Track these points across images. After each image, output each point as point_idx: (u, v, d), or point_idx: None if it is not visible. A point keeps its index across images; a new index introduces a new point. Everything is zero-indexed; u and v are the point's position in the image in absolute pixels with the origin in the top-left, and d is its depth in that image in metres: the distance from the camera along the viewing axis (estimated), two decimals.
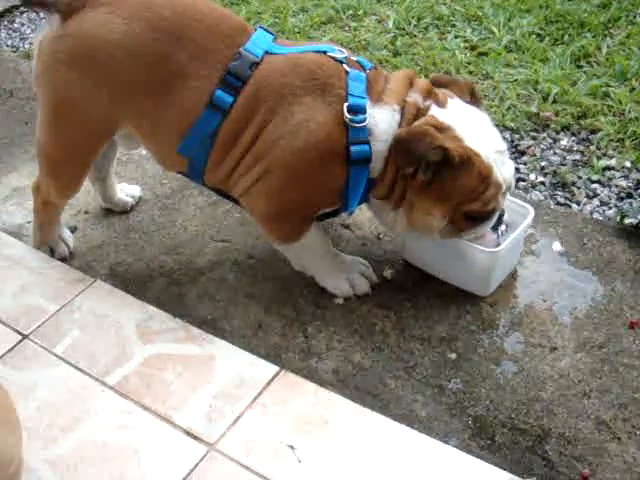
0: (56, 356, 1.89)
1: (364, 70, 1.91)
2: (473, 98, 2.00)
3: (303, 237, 2.01)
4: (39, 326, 1.99)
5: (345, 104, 1.83)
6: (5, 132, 3.07)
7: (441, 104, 1.88)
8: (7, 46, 3.95)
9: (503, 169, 1.89)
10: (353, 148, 1.83)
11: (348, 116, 1.82)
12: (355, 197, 1.90)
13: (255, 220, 2.07)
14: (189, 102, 1.87)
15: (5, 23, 4.23)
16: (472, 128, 1.87)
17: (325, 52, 1.91)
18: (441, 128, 1.81)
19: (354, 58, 1.94)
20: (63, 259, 2.27)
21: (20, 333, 1.98)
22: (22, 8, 4.33)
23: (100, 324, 1.98)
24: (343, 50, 1.95)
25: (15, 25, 4.19)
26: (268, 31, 1.95)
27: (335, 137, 1.83)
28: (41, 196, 2.20)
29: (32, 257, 2.25)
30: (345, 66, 1.88)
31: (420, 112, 1.86)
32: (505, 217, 2.04)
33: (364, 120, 1.83)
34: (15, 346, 1.93)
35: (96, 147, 2.06)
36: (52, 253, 2.27)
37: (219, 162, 1.92)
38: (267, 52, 1.88)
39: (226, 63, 1.85)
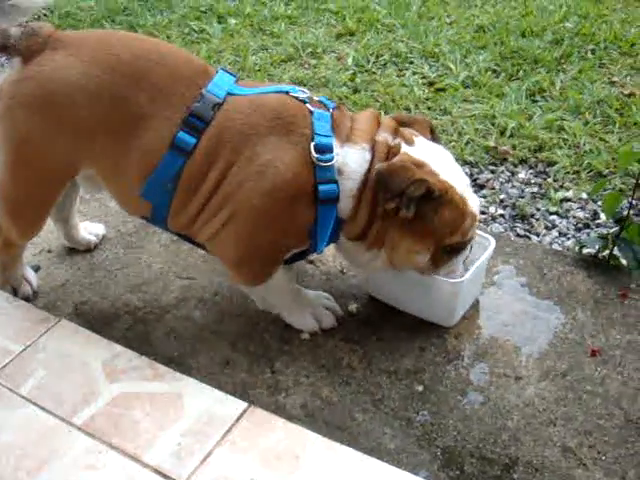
0: (21, 397, 1.86)
1: (327, 109, 1.93)
2: (433, 135, 2.04)
3: (271, 278, 2.02)
4: (3, 367, 1.96)
5: (312, 143, 1.84)
6: None
7: (409, 142, 1.90)
8: None
9: (472, 201, 1.93)
10: (321, 187, 1.83)
11: (315, 155, 1.83)
12: (324, 237, 1.90)
13: (223, 264, 2.06)
14: (150, 144, 1.86)
15: None
16: (442, 163, 1.90)
17: (287, 92, 1.93)
18: (417, 164, 1.83)
19: (316, 98, 1.96)
20: (26, 298, 2.25)
21: None
22: None
23: (66, 364, 1.96)
24: (305, 90, 1.97)
25: None
26: (229, 72, 1.96)
27: (302, 177, 1.83)
28: (2, 236, 2.18)
29: None
30: (308, 105, 1.90)
31: (391, 150, 1.87)
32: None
33: (331, 159, 1.84)
34: None
35: (56, 190, 2.05)
36: (15, 293, 2.25)
37: (183, 206, 1.90)
38: (229, 93, 1.89)
39: (188, 105, 1.86)
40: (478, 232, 2.14)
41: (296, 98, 1.91)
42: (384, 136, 1.89)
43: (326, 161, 1.83)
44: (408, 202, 1.80)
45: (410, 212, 1.82)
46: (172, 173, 1.86)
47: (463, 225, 1.88)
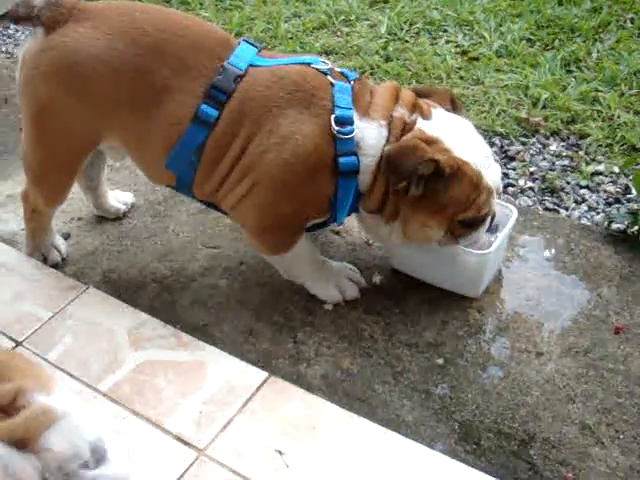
0: (49, 363, 1.92)
1: (348, 82, 1.93)
2: (454, 105, 2.03)
3: (293, 248, 2.03)
4: (32, 333, 2.01)
5: (332, 116, 1.85)
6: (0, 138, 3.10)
7: (426, 116, 1.90)
8: (2, 52, 3.98)
9: (491, 173, 1.92)
10: (341, 160, 1.85)
11: (336, 128, 1.84)
12: (344, 208, 1.93)
13: (246, 233, 2.09)
14: (174, 117, 1.88)
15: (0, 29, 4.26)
16: (458, 137, 1.90)
17: (309, 64, 1.93)
18: (429, 141, 1.83)
19: (338, 69, 1.96)
20: (55, 266, 2.30)
21: (14, 340, 2.00)
22: None
23: (92, 331, 2.00)
24: (327, 62, 1.97)
25: (10, 31, 4.22)
26: (252, 44, 1.97)
27: (322, 149, 1.85)
28: (30, 204, 2.22)
29: (25, 264, 2.28)
30: (330, 78, 1.90)
31: (407, 126, 1.87)
32: None
33: (352, 132, 1.84)
34: None
35: (78, 159, 2.08)
36: (45, 260, 2.30)
37: (207, 176, 1.93)
38: (251, 65, 1.90)
39: (210, 77, 1.87)
40: (500, 202, 2.13)
41: (317, 70, 1.91)
42: (401, 112, 1.89)
43: (346, 134, 1.84)
44: (417, 181, 1.82)
45: (419, 190, 1.84)
46: (196, 145, 1.88)
47: (477, 200, 1.88)
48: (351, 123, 1.85)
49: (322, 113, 1.85)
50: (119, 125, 1.96)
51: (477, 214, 1.92)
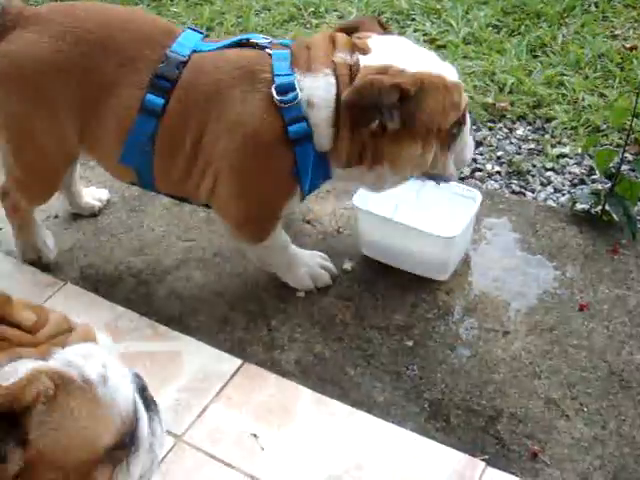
0: None
1: (287, 48, 1.91)
2: (384, 28, 2.00)
3: (271, 236, 2.05)
4: None
5: (272, 86, 1.82)
6: None
7: (365, 51, 1.85)
8: None
9: (448, 70, 1.89)
10: (290, 128, 1.82)
11: (278, 98, 1.80)
12: (306, 177, 1.89)
13: (226, 225, 2.09)
14: (122, 110, 1.89)
15: None
16: (404, 54, 1.85)
17: (248, 40, 1.93)
18: (380, 71, 1.78)
19: (277, 42, 1.95)
20: (47, 265, 2.32)
21: None
22: None
23: None
24: (267, 37, 1.97)
25: None
26: (197, 30, 1.98)
27: (271, 123, 1.81)
28: (10, 201, 2.25)
29: (3, 262, 2.31)
30: (268, 50, 1.89)
31: (353, 68, 1.81)
32: (455, 202, 2.18)
33: (296, 97, 1.79)
34: None
35: (60, 168, 2.12)
36: (39, 259, 2.31)
37: (166, 169, 1.95)
38: (194, 51, 1.90)
39: (154, 67, 1.87)
40: (465, 187, 2.19)
41: (256, 44, 1.91)
42: (341, 56, 1.84)
43: (290, 101, 1.80)
44: (390, 113, 1.77)
45: (396, 122, 1.79)
46: (145, 136, 1.89)
47: (453, 100, 1.85)
48: (293, 89, 1.81)
49: (263, 87, 1.83)
50: (79, 125, 1.97)
51: (459, 112, 1.88)
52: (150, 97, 1.86)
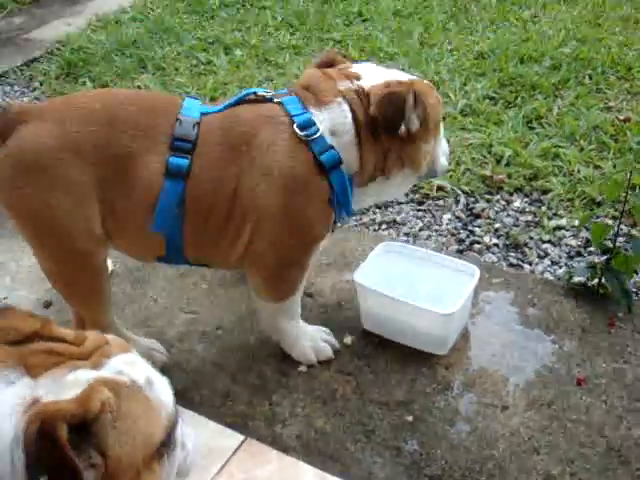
0: None
1: (290, 94, 2.05)
2: (346, 58, 2.23)
3: (296, 291, 2.12)
4: None
5: (294, 125, 1.94)
6: None
7: (358, 77, 2.05)
8: None
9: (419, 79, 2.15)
10: (322, 158, 1.94)
11: (302, 133, 1.93)
12: (348, 199, 2.02)
13: (258, 279, 2.11)
14: (147, 178, 1.91)
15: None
16: (388, 72, 2.11)
17: (255, 92, 2.04)
18: (386, 86, 2.00)
19: (276, 93, 2.09)
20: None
21: None
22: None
23: None
24: (267, 90, 2.10)
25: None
26: (194, 98, 2.07)
27: (303, 158, 1.94)
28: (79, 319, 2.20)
29: None
30: (275, 99, 2.01)
31: (358, 92, 2.01)
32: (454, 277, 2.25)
33: (317, 131, 1.94)
34: None
35: (93, 258, 2.02)
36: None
37: (198, 231, 1.98)
38: (202, 113, 1.98)
39: (169, 132, 1.93)
40: (462, 262, 2.25)
41: (263, 97, 2.03)
42: (344, 85, 2.02)
43: (314, 134, 1.94)
44: (410, 116, 1.99)
45: (416, 123, 2.01)
46: (175, 199, 1.93)
47: (439, 97, 2.12)
48: (313, 124, 1.95)
49: (285, 129, 1.94)
50: (102, 207, 1.94)
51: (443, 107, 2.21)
52: (174, 160, 1.91)
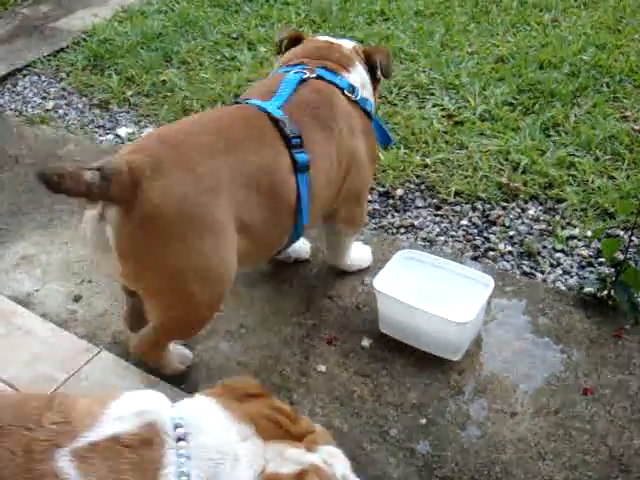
0: None
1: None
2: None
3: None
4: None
5: (344, 91, 2.33)
6: (12, 199, 3.29)
7: (341, 45, 2.46)
8: (11, 110, 4.18)
9: None
10: (366, 107, 2.40)
11: (351, 96, 2.33)
12: (384, 129, 2.50)
13: (351, 214, 2.47)
14: (282, 181, 2.05)
15: (8, 86, 4.47)
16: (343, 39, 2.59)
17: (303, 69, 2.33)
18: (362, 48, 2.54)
19: (300, 69, 2.31)
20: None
21: None
22: (24, 71, 4.59)
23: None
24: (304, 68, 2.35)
25: (18, 88, 4.43)
26: (248, 99, 2.22)
27: (359, 112, 2.37)
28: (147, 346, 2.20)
29: (41, 327, 2.46)
30: (313, 76, 2.30)
31: (357, 52, 2.47)
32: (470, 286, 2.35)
33: (358, 90, 2.37)
34: None
35: (227, 282, 2.05)
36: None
37: (317, 205, 2.21)
38: (278, 107, 2.14)
39: (277, 134, 2.07)
40: (478, 272, 2.34)
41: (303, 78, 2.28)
42: (346, 49, 2.44)
43: (357, 94, 2.35)
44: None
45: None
46: (308, 188, 2.12)
47: None
48: (352, 86, 2.36)
49: (341, 96, 2.31)
50: (240, 238, 1.99)
51: None
52: (299, 156, 2.09)
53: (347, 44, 2.46)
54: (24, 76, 4.58)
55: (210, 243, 1.90)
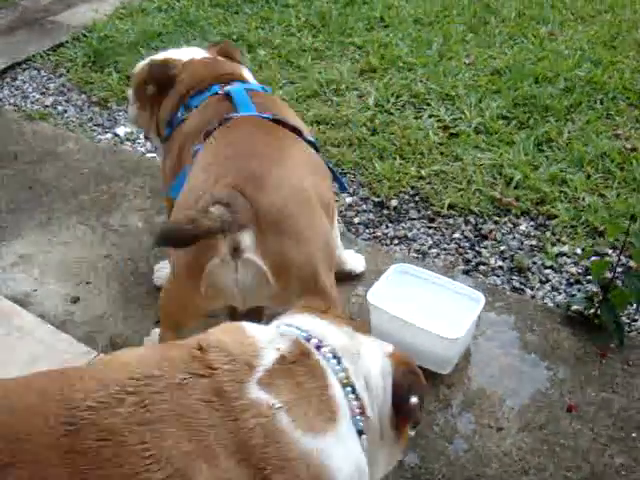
0: None
1: None
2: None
3: None
4: None
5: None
6: (10, 196, 3.32)
7: None
8: (10, 104, 4.21)
9: None
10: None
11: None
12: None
13: None
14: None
15: (7, 80, 4.50)
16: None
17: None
18: None
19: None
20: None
21: None
22: (24, 65, 4.62)
23: None
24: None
25: (17, 83, 4.46)
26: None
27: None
28: None
29: (40, 328, 2.51)
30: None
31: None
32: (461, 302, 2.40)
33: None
34: None
35: None
36: None
37: None
38: None
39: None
40: (469, 288, 2.40)
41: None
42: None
43: None
44: None
45: None
46: None
47: None
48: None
49: None
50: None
51: None
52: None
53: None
54: (23, 70, 4.61)
55: (322, 215, 2.02)
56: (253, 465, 1.21)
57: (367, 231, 3.05)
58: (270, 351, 1.36)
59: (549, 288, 2.76)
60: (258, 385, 1.29)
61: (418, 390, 1.49)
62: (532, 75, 4.06)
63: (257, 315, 2.17)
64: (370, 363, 1.46)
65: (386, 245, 2.98)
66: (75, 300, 2.68)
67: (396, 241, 3.01)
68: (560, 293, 2.74)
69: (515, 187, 3.24)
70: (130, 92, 2.76)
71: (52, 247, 2.99)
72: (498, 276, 2.81)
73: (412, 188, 3.28)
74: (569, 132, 3.59)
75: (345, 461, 1.33)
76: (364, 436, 1.39)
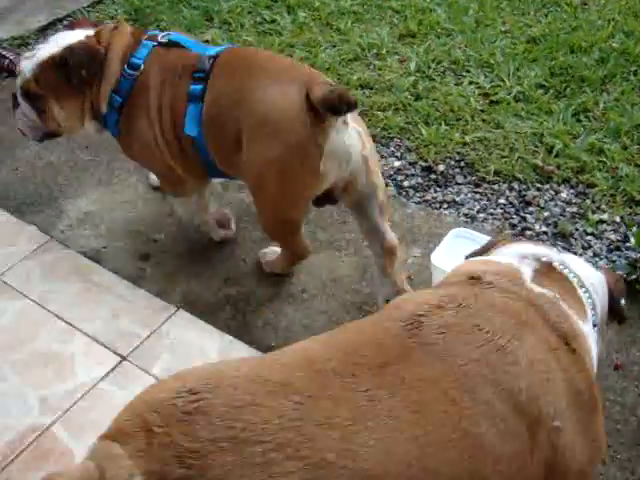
0: (153, 376, 2.31)
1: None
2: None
3: None
4: (135, 349, 2.41)
5: None
6: (68, 156, 3.45)
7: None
8: None
9: None
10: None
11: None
12: None
13: None
14: None
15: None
16: None
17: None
18: None
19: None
20: None
21: (119, 355, 2.40)
22: (65, 21, 4.69)
23: (187, 350, 2.40)
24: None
25: None
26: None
27: None
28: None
29: (119, 284, 2.67)
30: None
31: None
32: None
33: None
34: (116, 366, 2.35)
35: None
36: None
37: None
38: None
39: None
40: None
41: None
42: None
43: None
44: None
45: None
46: None
47: None
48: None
49: None
50: None
51: None
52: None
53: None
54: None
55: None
56: (554, 333, 1.51)
57: (417, 195, 3.20)
58: (526, 267, 1.62)
59: (591, 254, 2.92)
60: (536, 285, 1.57)
61: (624, 295, 1.83)
62: (567, 45, 4.15)
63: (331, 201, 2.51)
64: (589, 273, 1.73)
65: (436, 209, 3.14)
66: (145, 257, 2.83)
67: (445, 205, 3.16)
68: (602, 259, 2.90)
69: (556, 155, 3.37)
70: (28, 93, 2.63)
71: (115, 205, 3.13)
72: (543, 241, 2.97)
73: (457, 154, 3.42)
74: (605, 103, 3.71)
75: (594, 346, 1.63)
76: (596, 327, 1.66)
